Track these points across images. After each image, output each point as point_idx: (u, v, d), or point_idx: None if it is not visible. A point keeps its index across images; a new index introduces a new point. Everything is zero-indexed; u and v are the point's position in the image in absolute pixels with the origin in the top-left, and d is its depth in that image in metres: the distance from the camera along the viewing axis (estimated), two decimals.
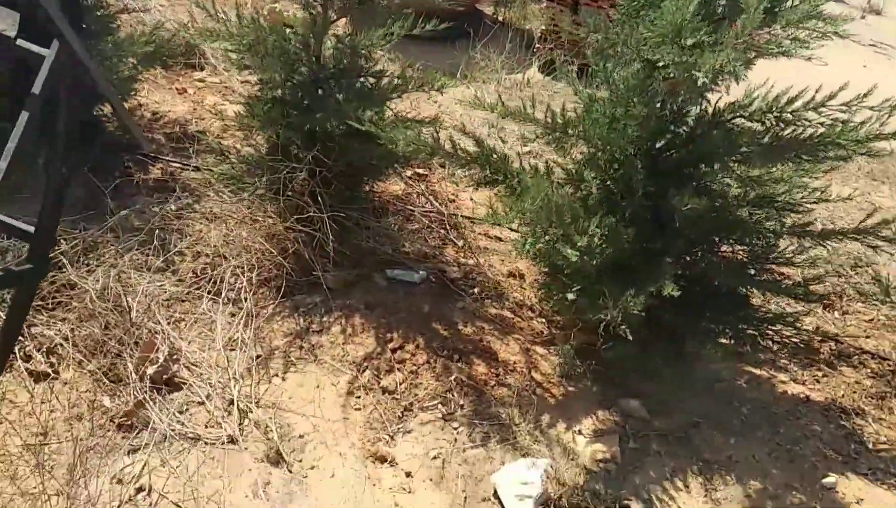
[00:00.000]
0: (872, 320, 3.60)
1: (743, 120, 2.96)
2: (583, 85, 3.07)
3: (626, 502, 2.62)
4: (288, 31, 3.42)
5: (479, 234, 4.02)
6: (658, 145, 3.06)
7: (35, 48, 1.92)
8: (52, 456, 2.44)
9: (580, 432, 2.88)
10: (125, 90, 4.18)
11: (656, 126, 2.93)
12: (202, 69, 5.26)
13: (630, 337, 2.60)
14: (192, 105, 4.75)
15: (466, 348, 3.17)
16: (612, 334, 2.76)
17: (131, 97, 4.29)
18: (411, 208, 4.05)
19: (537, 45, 6.91)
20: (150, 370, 2.73)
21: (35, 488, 2.28)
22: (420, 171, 4.48)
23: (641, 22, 2.87)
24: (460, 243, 3.84)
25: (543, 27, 6.97)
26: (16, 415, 2.55)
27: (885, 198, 5.19)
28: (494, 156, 2.97)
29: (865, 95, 2.72)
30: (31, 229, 1.94)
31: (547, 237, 2.64)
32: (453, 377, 3.01)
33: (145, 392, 2.65)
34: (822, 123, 2.82)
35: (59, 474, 2.36)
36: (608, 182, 3.05)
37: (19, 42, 1.90)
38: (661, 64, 2.59)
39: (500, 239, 4.02)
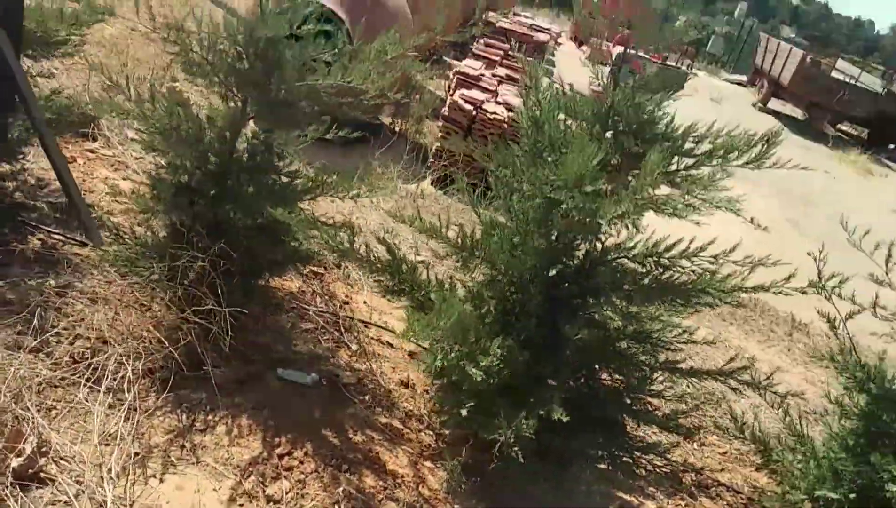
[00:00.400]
0: (726, 452, 3.95)
1: (626, 260, 3.30)
2: (475, 205, 3.30)
3: None
4: (205, 120, 3.44)
5: (372, 338, 4.07)
6: (551, 275, 3.32)
7: None
8: None
9: None
10: (11, 154, 3.97)
11: (551, 257, 3.19)
12: (94, 140, 5.08)
13: (522, 459, 2.71)
14: (82, 176, 4.55)
15: (356, 457, 3.15)
16: (503, 453, 2.87)
17: (17, 161, 4.06)
18: (306, 306, 4.04)
19: (431, 160, 7.28)
20: (15, 463, 2.49)
21: None
22: (316, 269, 4.51)
23: (544, 162, 3.18)
24: (354, 347, 3.86)
25: (438, 145, 7.37)
26: None
27: (735, 338, 5.80)
28: (405, 266, 3.09)
29: (731, 251, 3.13)
30: None
31: (452, 355, 2.75)
32: (342, 489, 2.96)
33: (6, 488, 2.40)
34: (693, 271, 3.19)
35: None
36: (506, 304, 3.25)
37: None
38: (564, 206, 2.86)
39: (391, 345, 4.08)
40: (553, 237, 3.17)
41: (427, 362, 2.88)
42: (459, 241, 3.03)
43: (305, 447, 3.10)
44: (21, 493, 2.46)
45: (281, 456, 3.02)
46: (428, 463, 3.28)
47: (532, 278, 3.14)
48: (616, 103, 3.11)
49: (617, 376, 3.33)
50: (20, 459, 2.53)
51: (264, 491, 2.85)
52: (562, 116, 3.30)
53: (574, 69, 9.37)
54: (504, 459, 2.91)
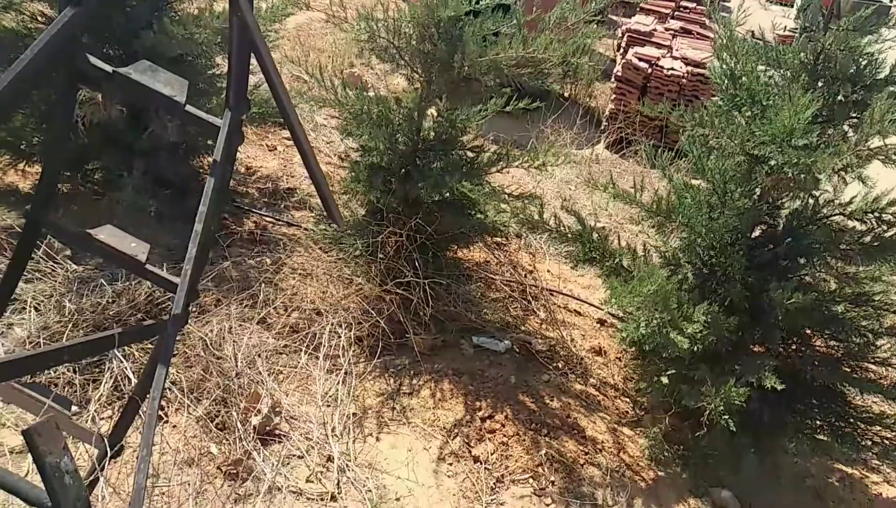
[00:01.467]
0: None
1: (842, 218, 3.03)
2: (651, 164, 3.17)
3: None
4: (392, 101, 3.60)
5: (559, 306, 4.08)
6: (754, 236, 3.13)
7: (205, 116, 2.07)
8: (162, 498, 2.49)
9: None
10: None
11: (754, 218, 3.01)
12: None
13: (733, 429, 2.60)
14: (282, 162, 4.95)
15: (554, 422, 3.20)
16: (707, 422, 2.78)
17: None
18: (493, 276, 4.13)
19: (605, 124, 7.09)
20: (255, 421, 2.80)
21: None
22: (498, 240, 4.58)
23: (744, 117, 2.98)
24: (542, 314, 3.90)
25: (612, 106, 7.15)
26: (128, 456, 2.62)
27: None
28: (595, 235, 3.05)
29: None
30: (176, 280, 2.05)
31: (654, 322, 2.69)
32: (543, 452, 3.02)
33: (251, 443, 2.71)
34: None
35: None
36: (703, 269, 3.12)
37: (188, 108, 2.04)
38: (772, 162, 2.67)
39: (579, 313, 4.07)
40: (756, 196, 2.98)
41: (627, 330, 2.84)
42: (654, 206, 2.94)
43: (505, 411, 3.20)
44: (262, 447, 2.77)
45: (483, 419, 3.14)
46: (627, 430, 3.26)
47: (733, 241, 2.98)
48: (827, 48, 2.84)
49: (833, 342, 3.09)
50: (259, 417, 2.85)
51: (470, 452, 2.99)
52: (761, 68, 3.08)
53: (753, 14, 8.65)
54: (709, 428, 2.82)
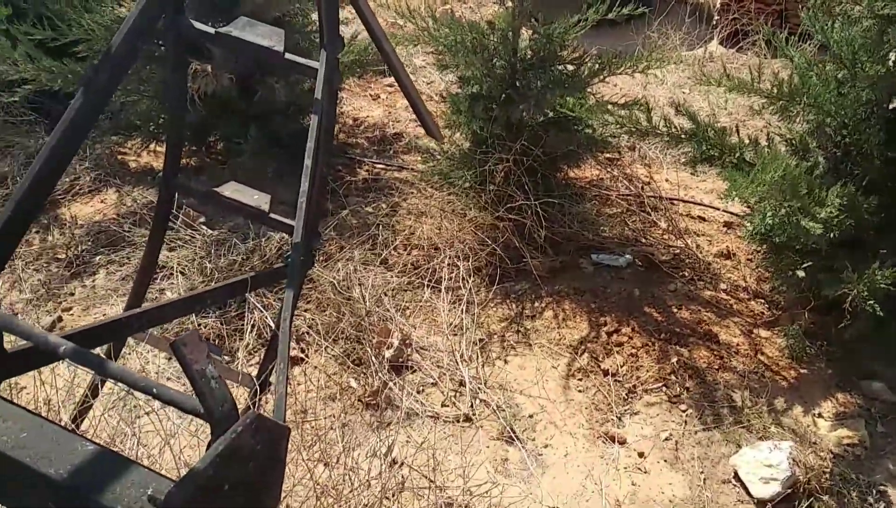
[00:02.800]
0: None
1: None
2: (772, 53, 2.91)
3: (881, 487, 2.46)
4: (485, 26, 3.54)
5: (681, 215, 3.93)
6: (891, 107, 2.84)
7: (303, 61, 2.15)
8: (313, 431, 2.70)
9: (820, 415, 2.74)
10: None
11: (890, 86, 2.72)
12: (390, 75, 5.55)
13: (880, 313, 2.43)
14: (386, 109, 5.04)
15: (684, 331, 3.12)
16: (850, 312, 2.61)
17: (337, 102, 4.62)
18: (607, 192, 4.03)
19: (717, 18, 6.59)
20: (388, 354, 2.95)
21: (303, 459, 2.55)
22: (610, 156, 4.45)
23: None
24: (664, 225, 3.77)
25: None
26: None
27: None
28: (711, 131, 2.89)
29: None
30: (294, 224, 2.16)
31: (783, 211, 2.53)
32: (674, 360, 2.97)
33: (387, 374, 2.86)
34: None
35: (321, 447, 2.61)
36: (836, 151, 2.88)
37: (287, 56, 2.12)
38: None
39: (703, 219, 3.90)
40: (891, 63, 2.69)
41: (754, 223, 2.69)
42: (775, 90, 2.73)
43: (631, 324, 3.16)
44: (397, 377, 2.92)
45: (609, 334, 3.13)
46: (763, 332, 3.13)
47: (868, 115, 2.73)
48: None
49: None
50: (391, 351, 2.99)
51: (599, 366, 2.99)
52: None
53: None
54: (854, 318, 2.65)
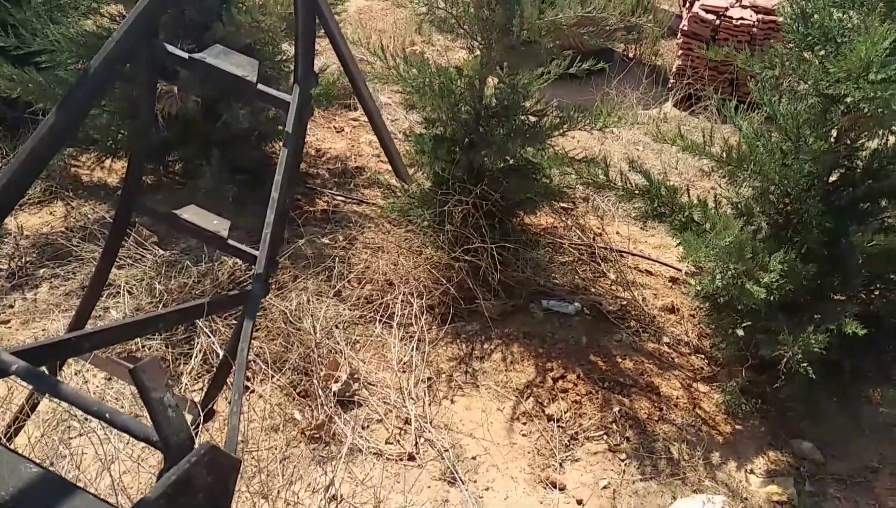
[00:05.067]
0: None
1: None
2: (721, 120, 3.08)
3: None
4: (453, 72, 3.63)
5: (630, 267, 4.05)
6: (831, 180, 3.02)
7: (276, 93, 2.18)
8: (252, 461, 2.66)
9: (752, 471, 2.83)
10: None
11: (831, 161, 2.90)
12: (355, 109, 5.61)
13: (812, 375, 2.55)
14: (350, 142, 5.08)
15: (627, 381, 3.20)
16: (785, 372, 2.72)
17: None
18: (560, 240, 4.13)
19: (672, 81, 6.89)
20: (335, 388, 2.94)
21: (239, 490, 2.50)
22: (565, 205, 4.57)
23: (817, 57, 2.86)
24: (612, 276, 3.88)
25: (679, 62, 6.94)
26: (219, 424, 2.81)
27: None
28: (663, 189, 3.02)
29: None
30: (256, 252, 2.17)
31: (729, 274, 2.65)
32: (616, 410, 3.04)
33: (332, 408, 2.85)
34: None
35: (261, 479, 2.57)
36: (777, 218, 3.04)
37: (260, 87, 2.15)
38: (847, 99, 2.57)
39: (650, 273, 4.03)
40: (832, 139, 2.87)
41: (703, 283, 2.80)
42: (724, 155, 2.87)
43: (577, 371, 3.22)
44: (342, 412, 2.90)
45: (555, 380, 3.18)
46: (702, 386, 3.23)
47: (809, 186, 2.89)
48: None
49: None
50: (338, 384, 2.98)
51: (544, 411, 3.04)
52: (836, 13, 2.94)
53: None
54: (788, 379, 2.77)
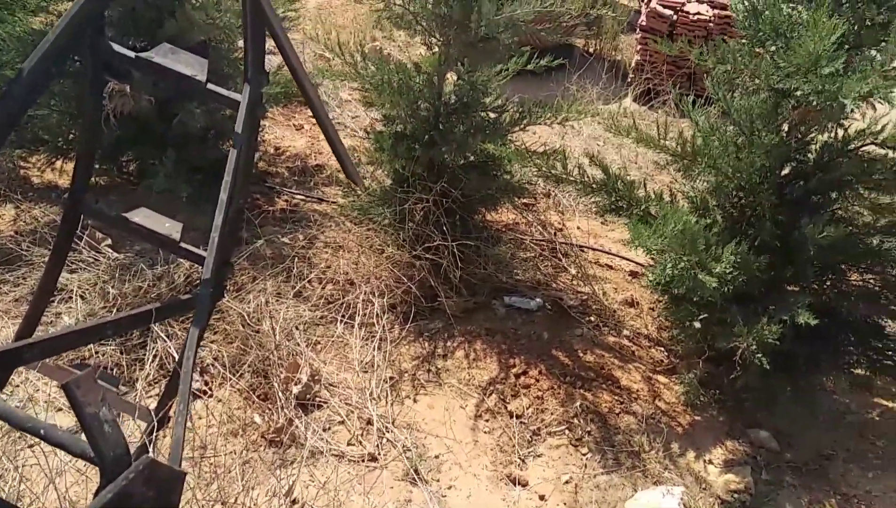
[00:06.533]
0: None
1: (874, 147, 2.95)
2: (679, 115, 3.12)
3: None
4: (412, 69, 3.60)
5: (590, 262, 4.08)
6: (784, 173, 3.08)
7: (226, 93, 2.13)
8: (211, 468, 2.61)
9: (710, 461, 2.88)
10: None
11: (783, 154, 2.95)
12: None
13: (767, 366, 2.60)
14: (310, 140, 5.02)
15: (589, 375, 3.22)
16: (740, 363, 2.77)
17: (259, 132, 4.57)
18: (522, 236, 4.14)
19: (631, 76, 6.97)
20: (295, 390, 2.90)
21: (200, 497, 2.45)
22: (527, 201, 4.58)
23: (767, 52, 2.91)
24: (573, 271, 3.91)
25: (638, 58, 7.01)
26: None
27: None
28: (620, 183, 3.04)
29: None
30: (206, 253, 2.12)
31: (681, 265, 2.68)
32: (578, 404, 3.06)
33: (293, 411, 2.81)
34: None
35: (219, 485, 2.53)
36: (732, 211, 3.08)
37: (209, 87, 2.10)
38: (798, 93, 2.62)
39: (611, 267, 4.07)
40: (784, 133, 2.93)
41: (655, 273, 2.84)
42: (679, 149, 2.90)
43: (539, 366, 3.24)
44: (303, 414, 2.87)
45: (517, 376, 3.19)
46: (662, 378, 3.27)
47: (762, 180, 2.94)
48: None
49: (869, 275, 3.03)
50: (299, 387, 2.95)
51: (506, 407, 3.04)
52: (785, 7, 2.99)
53: None
54: (744, 369, 2.81)
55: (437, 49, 3.52)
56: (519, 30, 3.47)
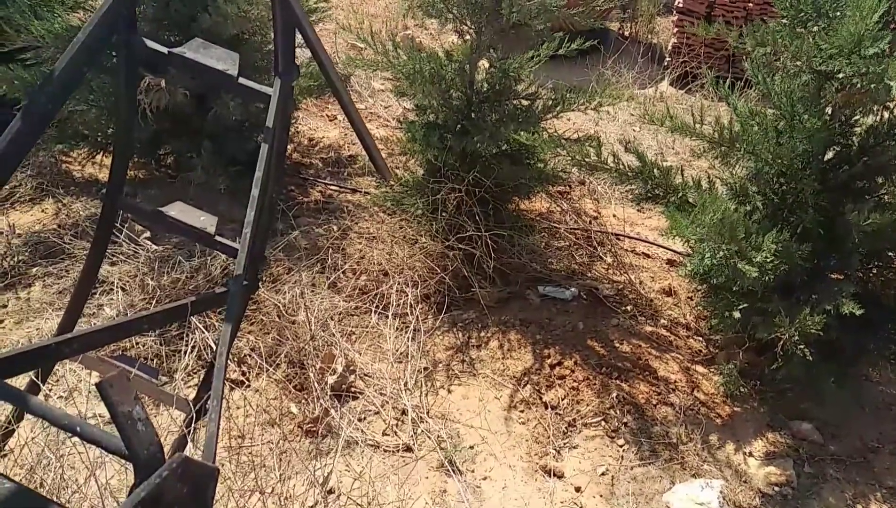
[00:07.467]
0: None
1: None
2: (717, 99, 3.03)
3: None
4: (443, 57, 3.58)
5: (626, 250, 4.02)
6: (826, 158, 2.98)
7: (257, 86, 2.14)
8: (249, 457, 2.65)
9: (751, 454, 2.82)
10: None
11: (826, 139, 2.85)
12: None
13: (809, 356, 2.53)
14: (343, 130, 5.03)
15: (625, 365, 3.18)
16: (782, 354, 2.70)
17: (291, 125, 4.60)
18: (556, 225, 4.10)
19: (668, 60, 6.82)
20: (331, 381, 2.92)
21: (237, 486, 2.49)
22: (561, 189, 4.53)
23: (809, 33, 2.81)
24: (609, 260, 3.85)
25: (675, 40, 6.85)
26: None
27: None
28: (656, 171, 2.98)
29: None
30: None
31: (720, 254, 2.62)
32: (614, 395, 3.02)
33: (328, 401, 2.84)
34: None
35: (256, 474, 2.56)
36: (773, 197, 3.00)
37: (241, 80, 2.11)
38: (840, 75, 2.52)
39: (647, 256, 4.00)
40: (827, 116, 2.83)
41: (693, 263, 2.78)
42: (716, 135, 2.83)
43: (574, 357, 3.21)
44: (339, 404, 2.89)
45: (552, 366, 3.16)
46: (700, 369, 3.21)
47: (804, 165, 2.85)
48: None
49: None
50: (334, 377, 2.97)
51: (541, 398, 3.02)
52: None
53: None
54: (785, 360, 2.74)
55: (468, 37, 3.49)
56: (551, 15, 3.42)
